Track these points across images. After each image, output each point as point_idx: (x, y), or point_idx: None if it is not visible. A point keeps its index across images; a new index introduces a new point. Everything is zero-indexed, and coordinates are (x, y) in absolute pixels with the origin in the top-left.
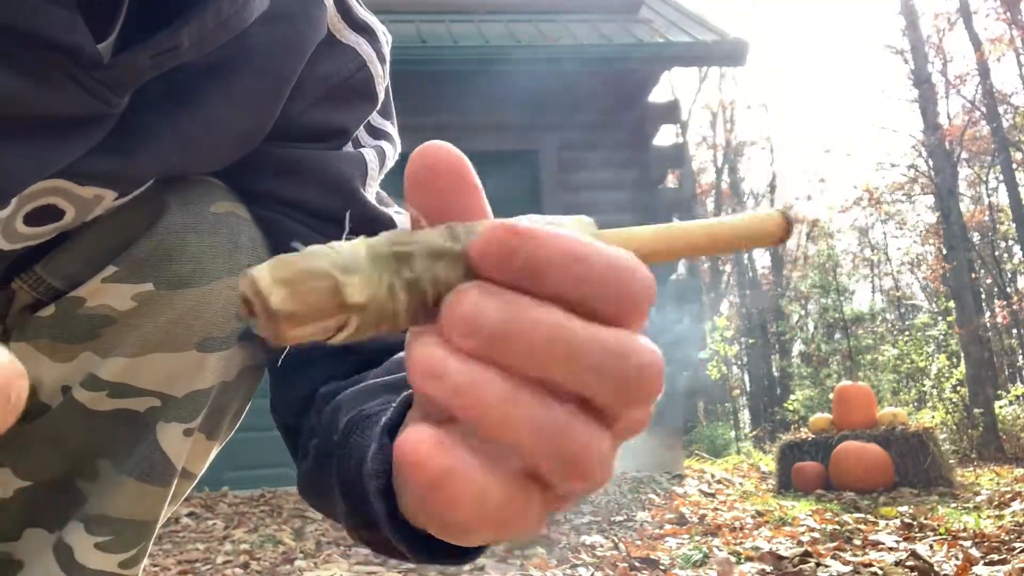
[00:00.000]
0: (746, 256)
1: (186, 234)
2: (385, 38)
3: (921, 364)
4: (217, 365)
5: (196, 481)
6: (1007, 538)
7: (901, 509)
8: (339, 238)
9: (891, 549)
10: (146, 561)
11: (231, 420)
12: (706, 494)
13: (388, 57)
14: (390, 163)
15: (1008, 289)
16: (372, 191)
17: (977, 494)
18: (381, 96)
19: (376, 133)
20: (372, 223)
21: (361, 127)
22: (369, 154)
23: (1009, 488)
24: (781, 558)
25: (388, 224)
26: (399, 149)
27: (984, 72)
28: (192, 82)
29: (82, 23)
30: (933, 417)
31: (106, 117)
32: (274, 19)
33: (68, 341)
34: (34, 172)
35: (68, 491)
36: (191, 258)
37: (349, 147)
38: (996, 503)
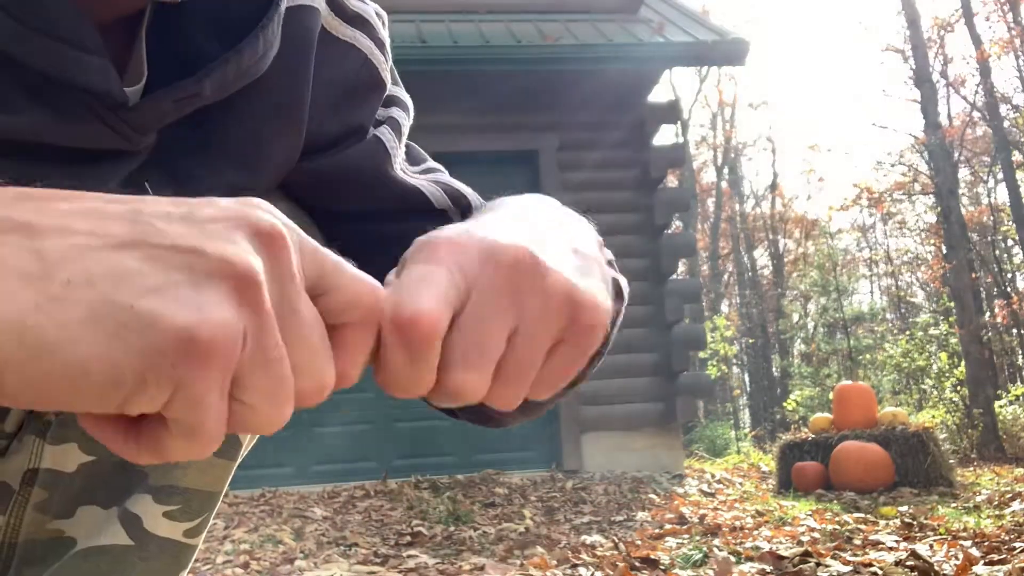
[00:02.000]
0: (746, 256)
1: None
2: (380, 20)
3: (922, 364)
4: None
5: (240, 459)
6: (1007, 538)
7: (901, 509)
8: (374, 232)
9: (891, 549)
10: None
11: None
12: (706, 494)
13: (387, 37)
14: (406, 125)
15: (1008, 289)
16: (398, 163)
17: (977, 494)
18: (389, 81)
19: (386, 103)
20: (403, 200)
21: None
22: (383, 132)
23: (1009, 488)
24: (781, 558)
25: (415, 196)
26: (411, 107)
27: (985, 72)
28: (223, 133)
29: (112, 69)
30: (933, 417)
31: (133, 153)
32: (285, 43)
33: None
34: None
35: (127, 468)
36: None
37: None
38: (996, 503)
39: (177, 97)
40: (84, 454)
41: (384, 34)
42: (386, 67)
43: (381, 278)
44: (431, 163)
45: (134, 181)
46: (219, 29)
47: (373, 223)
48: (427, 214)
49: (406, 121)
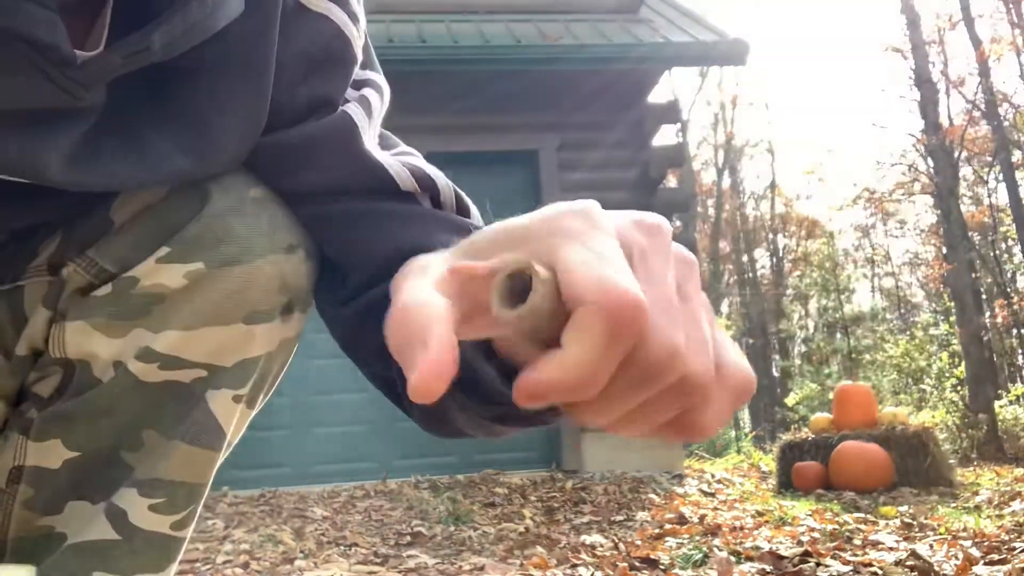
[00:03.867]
0: (745, 255)
1: (230, 217)
2: None
3: (922, 364)
4: (263, 336)
5: (230, 449)
6: (1007, 538)
7: (901, 509)
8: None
9: (891, 549)
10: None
11: (268, 388)
12: (706, 494)
13: (362, 14)
14: (378, 107)
15: (1008, 289)
16: (368, 138)
17: (977, 494)
18: (360, 57)
19: (358, 85)
20: (369, 177)
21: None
22: (352, 108)
23: (1009, 488)
24: (781, 558)
25: (381, 174)
26: (387, 92)
27: (985, 72)
28: (184, 100)
29: (61, 25)
30: (933, 417)
31: (82, 112)
32: (245, 13)
33: (123, 318)
34: (16, 159)
35: (113, 462)
36: (237, 239)
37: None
38: (996, 503)
39: (126, 53)
40: (68, 450)
41: (358, 9)
42: (358, 42)
43: (344, 258)
44: (404, 148)
45: (89, 144)
46: None
47: (338, 202)
48: (393, 195)
49: (379, 104)
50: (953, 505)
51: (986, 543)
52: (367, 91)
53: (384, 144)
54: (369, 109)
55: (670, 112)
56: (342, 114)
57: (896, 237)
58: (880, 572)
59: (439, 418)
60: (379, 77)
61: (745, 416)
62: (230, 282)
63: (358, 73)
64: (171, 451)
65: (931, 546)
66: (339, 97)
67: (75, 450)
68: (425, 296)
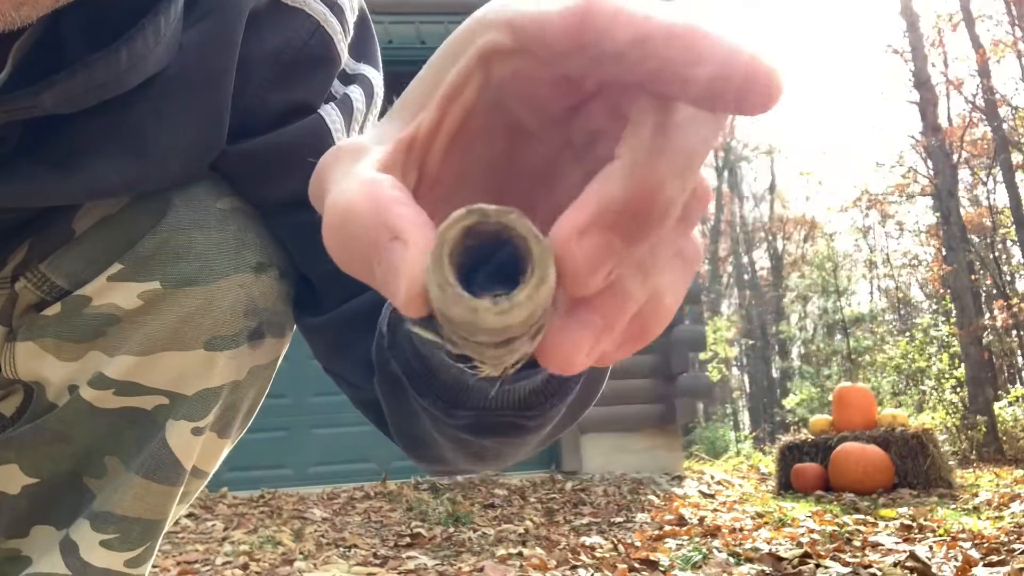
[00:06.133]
0: (745, 256)
1: (192, 231)
2: None
3: (921, 365)
4: (226, 364)
5: (208, 479)
6: (1006, 539)
7: (900, 510)
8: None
9: (890, 550)
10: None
11: (243, 418)
12: (706, 495)
13: (349, 2)
14: (362, 107)
15: (1007, 291)
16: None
17: (976, 495)
18: (344, 55)
19: (347, 79)
20: None
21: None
22: (328, 111)
23: (1008, 489)
24: (780, 559)
25: None
26: (377, 87)
27: (984, 73)
28: (119, 118)
29: None
30: (933, 418)
31: None
32: (202, 17)
33: (74, 340)
34: None
35: (76, 488)
36: (198, 256)
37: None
38: (995, 504)
39: (9, 108)
40: (26, 476)
41: (344, 0)
42: (342, 37)
43: (316, 271)
44: None
45: (4, 161)
46: (96, 28)
47: (308, 212)
48: None
49: (363, 103)
50: (952, 507)
51: (985, 544)
52: (352, 89)
53: None
54: (350, 110)
55: None
56: (314, 118)
57: (895, 239)
58: (879, 574)
59: (422, 441)
60: (372, 71)
61: (745, 417)
62: (188, 304)
63: (350, 65)
64: (127, 483)
65: (930, 548)
66: (318, 99)
67: (33, 476)
68: (371, 177)
